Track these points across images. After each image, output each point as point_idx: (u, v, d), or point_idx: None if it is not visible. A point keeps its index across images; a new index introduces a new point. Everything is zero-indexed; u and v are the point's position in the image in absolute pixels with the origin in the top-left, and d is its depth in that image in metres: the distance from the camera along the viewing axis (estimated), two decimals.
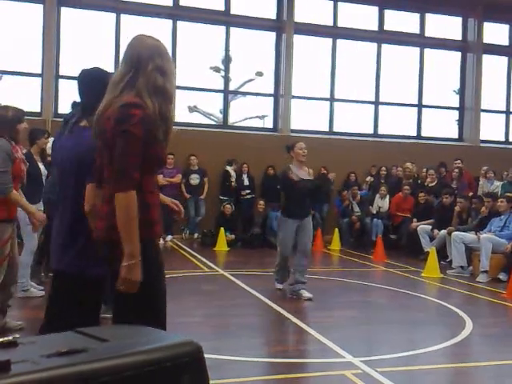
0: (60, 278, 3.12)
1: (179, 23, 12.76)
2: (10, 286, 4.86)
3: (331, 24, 13.84)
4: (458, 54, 15.05)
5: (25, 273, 6.13)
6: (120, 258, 2.44)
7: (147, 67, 2.54)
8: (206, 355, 1.62)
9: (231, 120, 13.69)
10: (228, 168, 12.31)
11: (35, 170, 5.86)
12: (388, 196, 12.04)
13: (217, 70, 13.67)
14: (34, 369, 1.29)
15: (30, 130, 5.83)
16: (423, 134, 14.77)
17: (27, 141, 6.22)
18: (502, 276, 8.47)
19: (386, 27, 14.28)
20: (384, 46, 14.36)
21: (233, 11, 13.11)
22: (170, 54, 11.32)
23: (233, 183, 12.25)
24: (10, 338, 1.41)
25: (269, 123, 13.73)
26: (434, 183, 11.79)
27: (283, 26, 13.27)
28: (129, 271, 2.40)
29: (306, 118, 13.73)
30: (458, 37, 15.03)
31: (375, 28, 14.23)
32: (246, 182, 12.45)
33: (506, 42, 15.45)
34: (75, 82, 3.25)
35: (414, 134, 14.72)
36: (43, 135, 6.43)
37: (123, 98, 2.50)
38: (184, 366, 1.54)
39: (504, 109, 15.55)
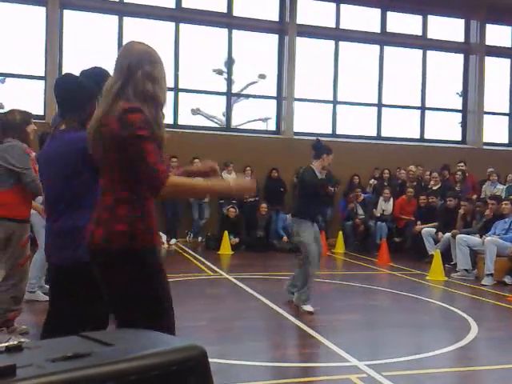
0: (58, 271, 3.18)
1: (182, 26, 12.76)
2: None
3: (334, 26, 13.85)
4: (461, 56, 15.03)
5: (37, 274, 6.09)
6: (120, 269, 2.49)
7: (136, 74, 2.53)
8: (210, 359, 1.61)
9: (234, 122, 13.69)
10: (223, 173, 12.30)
11: None
12: (392, 199, 12.01)
13: (219, 72, 13.67)
14: (39, 373, 1.28)
15: (39, 134, 5.81)
16: (426, 136, 14.75)
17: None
18: (506, 279, 8.46)
19: (389, 29, 14.28)
20: (386, 48, 14.35)
21: (235, 13, 13.12)
22: (173, 56, 11.26)
23: None
24: (16, 342, 1.40)
25: (272, 126, 13.72)
26: (437, 186, 11.77)
27: (286, 28, 13.27)
28: (239, 188, 2.66)
29: (309, 120, 13.73)
30: (461, 39, 15.01)
31: (378, 30, 14.23)
32: None
33: (508, 44, 15.43)
34: None
35: (418, 137, 14.69)
36: None
37: (118, 104, 2.49)
38: (189, 370, 1.53)
39: (507, 111, 15.53)
